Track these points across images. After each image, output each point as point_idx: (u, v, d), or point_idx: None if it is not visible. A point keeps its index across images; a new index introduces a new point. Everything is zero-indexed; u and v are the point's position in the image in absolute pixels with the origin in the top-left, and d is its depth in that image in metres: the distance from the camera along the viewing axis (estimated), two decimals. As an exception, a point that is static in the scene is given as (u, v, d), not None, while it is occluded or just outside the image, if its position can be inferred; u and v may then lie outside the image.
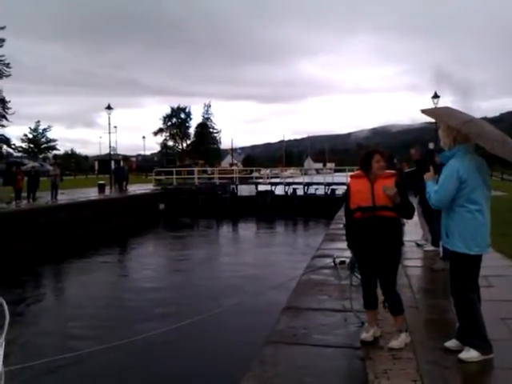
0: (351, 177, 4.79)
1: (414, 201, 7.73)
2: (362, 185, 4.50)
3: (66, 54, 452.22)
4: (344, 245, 9.48)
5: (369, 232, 4.47)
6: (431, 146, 23.14)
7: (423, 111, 4.44)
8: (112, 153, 44.55)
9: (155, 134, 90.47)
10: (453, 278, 4.12)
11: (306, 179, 39.62)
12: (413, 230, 10.38)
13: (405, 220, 8.29)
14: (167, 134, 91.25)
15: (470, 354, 3.97)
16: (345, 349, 4.32)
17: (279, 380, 3.75)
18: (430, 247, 8.82)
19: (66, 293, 14.14)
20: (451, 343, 4.19)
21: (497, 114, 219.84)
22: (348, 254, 8.40)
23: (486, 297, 4.45)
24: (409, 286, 6.40)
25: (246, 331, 8.98)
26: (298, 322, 5.07)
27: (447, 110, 4.41)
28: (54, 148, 74.96)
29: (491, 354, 3.99)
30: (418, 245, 9.24)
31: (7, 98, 53.23)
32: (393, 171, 4.63)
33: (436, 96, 32.73)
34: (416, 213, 5.91)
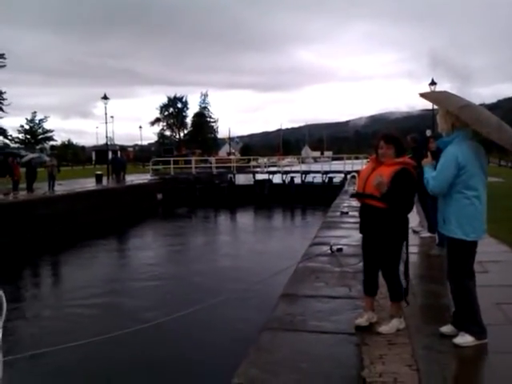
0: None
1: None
2: (366, 170, 4.50)
3: (60, 43, 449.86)
4: (341, 232, 9.63)
5: (361, 219, 4.49)
6: (428, 132, 23.11)
7: (421, 95, 4.43)
8: (109, 143, 44.41)
9: (152, 123, 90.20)
10: (450, 264, 4.14)
11: (304, 168, 39.65)
12: (409, 216, 10.39)
13: None
14: (164, 124, 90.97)
15: (465, 339, 4.00)
16: (341, 335, 4.35)
17: (276, 366, 3.78)
18: (426, 234, 8.86)
19: (64, 283, 14.20)
20: (446, 328, 4.22)
21: (494, 100, 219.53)
22: (344, 241, 8.49)
23: (482, 282, 4.46)
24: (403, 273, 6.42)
25: (242, 321, 9.05)
26: (295, 308, 5.11)
27: (445, 94, 4.40)
28: (50, 139, 74.75)
29: (486, 338, 4.03)
30: (415, 231, 9.27)
31: (2, 89, 53.05)
32: (401, 160, 4.29)
33: (433, 83, 32.66)
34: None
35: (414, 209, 9.37)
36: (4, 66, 51.44)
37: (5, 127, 58.89)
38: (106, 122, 38.18)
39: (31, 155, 26.55)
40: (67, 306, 11.12)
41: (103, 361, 7.77)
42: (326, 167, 38.20)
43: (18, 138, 70.56)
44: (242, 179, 38.75)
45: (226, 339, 8.53)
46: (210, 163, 43.60)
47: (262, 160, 49.52)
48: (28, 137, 71.86)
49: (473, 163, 3.97)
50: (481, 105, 4.53)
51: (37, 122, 72.85)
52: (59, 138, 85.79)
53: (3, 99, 52.94)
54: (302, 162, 48.25)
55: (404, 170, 4.23)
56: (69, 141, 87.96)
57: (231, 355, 6.68)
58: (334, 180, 33.79)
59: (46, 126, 74.07)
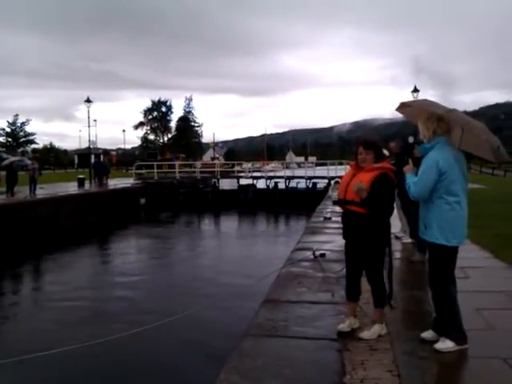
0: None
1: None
2: (346, 176, 4.50)
3: (42, 46, 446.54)
4: (324, 238, 9.64)
5: (343, 225, 4.49)
6: (411, 139, 23.39)
7: (402, 105, 4.47)
8: (92, 147, 44.02)
9: (136, 127, 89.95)
10: (431, 269, 4.17)
11: (288, 173, 39.76)
12: (391, 222, 10.45)
13: None
14: (148, 128, 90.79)
15: (446, 345, 4.02)
16: (323, 340, 4.34)
17: (258, 372, 3.76)
18: (408, 239, 8.90)
19: (42, 290, 13.93)
20: (427, 334, 4.24)
21: (476, 107, 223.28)
22: (327, 246, 8.50)
23: (463, 288, 4.50)
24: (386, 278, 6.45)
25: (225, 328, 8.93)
26: (277, 314, 5.08)
27: (429, 101, 4.45)
28: (32, 142, 73.97)
29: (466, 344, 4.05)
30: (397, 237, 9.31)
31: (-16, 92, 52.29)
32: (379, 165, 4.29)
33: (416, 90, 32.94)
34: (395, 205, 5.90)
35: (397, 215, 9.47)
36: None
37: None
38: (89, 126, 37.90)
39: (12, 158, 26.16)
40: (43, 318, 10.80)
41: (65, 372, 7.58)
42: (310, 173, 38.36)
43: (-1, 141, 69.77)
44: (226, 184, 38.68)
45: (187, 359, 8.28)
46: (195, 168, 43.47)
47: (247, 165, 49.59)
48: (9, 140, 71.01)
49: (453, 169, 4.01)
50: (463, 112, 4.59)
51: (18, 125, 72.09)
52: (41, 142, 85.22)
53: (-16, 102, 52.20)
54: (286, 168, 48.39)
55: (383, 175, 4.24)
56: (51, 144, 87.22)
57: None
58: (318, 185, 33.92)
59: (28, 129, 73.44)
